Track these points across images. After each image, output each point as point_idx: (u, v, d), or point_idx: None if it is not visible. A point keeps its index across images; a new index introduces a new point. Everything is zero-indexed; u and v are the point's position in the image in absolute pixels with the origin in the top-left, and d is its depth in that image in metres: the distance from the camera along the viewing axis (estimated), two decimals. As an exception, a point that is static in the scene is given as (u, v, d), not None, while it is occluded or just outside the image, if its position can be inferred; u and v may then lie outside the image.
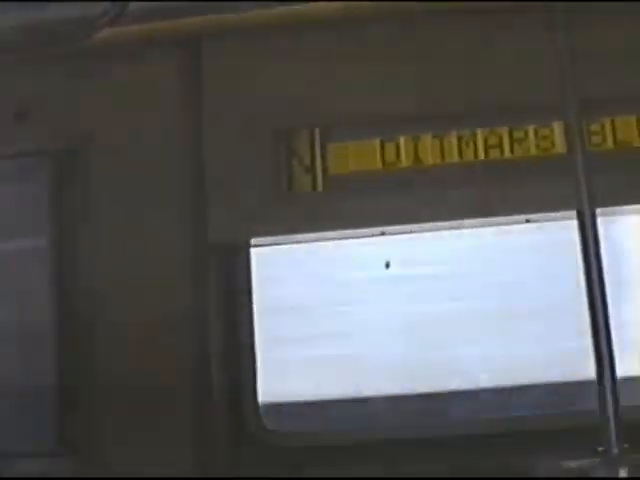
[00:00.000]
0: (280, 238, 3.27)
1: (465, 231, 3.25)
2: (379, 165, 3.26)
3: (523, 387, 3.19)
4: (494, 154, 3.21)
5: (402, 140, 3.26)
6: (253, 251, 3.30)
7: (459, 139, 3.23)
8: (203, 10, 3.14)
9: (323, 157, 3.28)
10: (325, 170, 3.27)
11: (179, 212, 3.25)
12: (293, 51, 3.26)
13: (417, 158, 3.24)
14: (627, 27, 3.10)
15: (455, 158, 3.23)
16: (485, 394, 3.22)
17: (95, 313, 3.21)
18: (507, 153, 3.21)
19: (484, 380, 3.23)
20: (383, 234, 3.27)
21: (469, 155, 3.22)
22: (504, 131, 3.22)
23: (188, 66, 3.30)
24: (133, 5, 3.01)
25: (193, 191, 3.25)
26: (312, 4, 3.16)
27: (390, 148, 3.26)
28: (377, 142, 3.27)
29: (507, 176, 3.18)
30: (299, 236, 3.27)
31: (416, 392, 3.25)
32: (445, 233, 3.26)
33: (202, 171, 3.24)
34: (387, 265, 3.30)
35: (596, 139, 3.17)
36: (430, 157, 3.25)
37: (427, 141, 3.25)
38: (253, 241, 3.28)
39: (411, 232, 3.28)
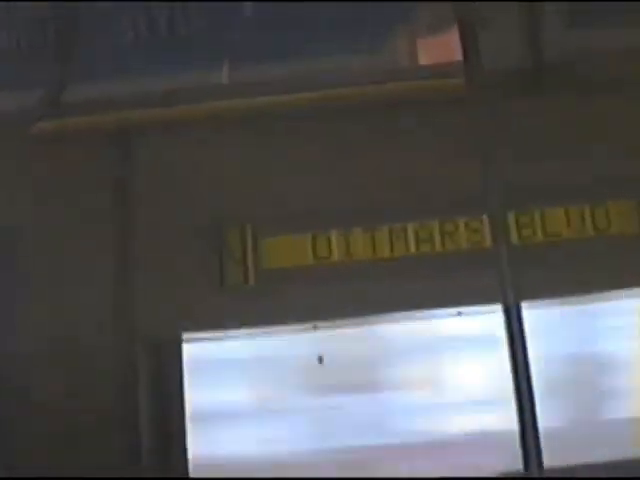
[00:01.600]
0: (212, 334, 3.23)
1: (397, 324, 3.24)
2: (311, 259, 3.25)
3: None
4: (425, 247, 3.23)
5: (334, 234, 3.26)
6: (185, 347, 3.25)
7: (390, 232, 3.24)
8: (133, 103, 3.15)
9: (255, 251, 3.27)
10: (257, 264, 3.26)
11: (108, 305, 3.20)
12: (224, 145, 3.27)
13: (348, 252, 3.25)
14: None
15: (386, 252, 3.24)
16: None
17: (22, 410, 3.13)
18: (438, 246, 3.22)
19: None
20: (316, 328, 3.25)
21: (400, 249, 3.24)
22: (435, 224, 3.24)
23: (118, 159, 3.30)
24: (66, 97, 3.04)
25: (122, 284, 3.21)
26: (240, 101, 3.20)
27: (322, 242, 3.26)
28: (309, 236, 3.27)
29: (438, 269, 3.19)
30: (232, 331, 3.23)
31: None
32: (377, 327, 3.25)
33: (131, 263, 3.21)
34: (320, 360, 3.27)
35: (526, 232, 3.21)
36: (361, 251, 3.25)
37: (358, 235, 3.26)
38: (184, 336, 3.24)
39: (346, 326, 3.26)
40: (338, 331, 3.26)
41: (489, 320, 3.13)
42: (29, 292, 3.22)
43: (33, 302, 3.22)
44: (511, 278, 2.56)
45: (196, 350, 3.25)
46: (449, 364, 3.23)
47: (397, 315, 3.22)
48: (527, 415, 2.41)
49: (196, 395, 3.21)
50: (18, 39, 3.13)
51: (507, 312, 2.52)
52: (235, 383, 3.24)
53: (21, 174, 3.24)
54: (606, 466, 3.00)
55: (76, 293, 3.20)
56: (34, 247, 3.25)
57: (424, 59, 3.24)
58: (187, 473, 3.18)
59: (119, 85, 3.20)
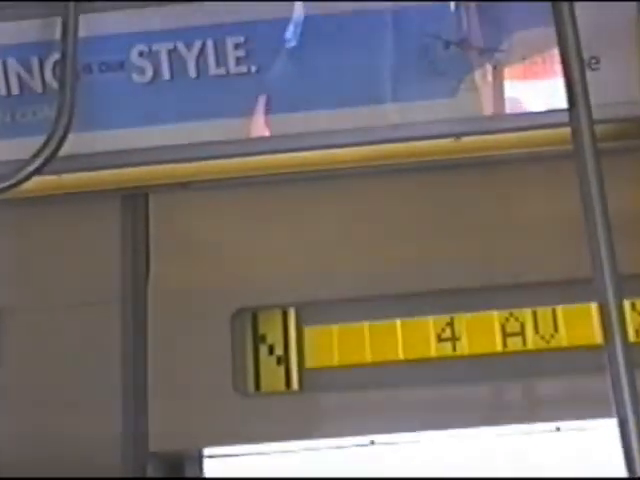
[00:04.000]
0: (240, 448, 2.55)
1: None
2: (368, 357, 2.56)
3: None
4: (514, 345, 2.52)
5: (399, 324, 2.57)
6: (207, 463, 2.57)
7: (469, 324, 2.54)
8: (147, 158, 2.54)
9: (299, 345, 2.59)
10: (301, 361, 2.58)
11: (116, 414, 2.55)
12: (258, 210, 2.63)
13: (419, 347, 2.55)
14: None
15: (465, 348, 2.54)
16: None
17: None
18: (530, 343, 2.52)
19: None
20: (372, 443, 2.54)
21: (482, 344, 2.53)
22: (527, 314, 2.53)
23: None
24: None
25: (132, 388, 2.56)
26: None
27: (382, 333, 2.57)
28: (366, 326, 2.58)
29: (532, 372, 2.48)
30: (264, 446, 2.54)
31: None
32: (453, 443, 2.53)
33: (144, 362, 2.56)
34: (379, 485, 2.56)
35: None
36: (434, 346, 2.55)
37: (429, 325, 2.56)
38: (206, 451, 2.56)
39: (411, 442, 2.54)
40: (401, 447, 2.55)
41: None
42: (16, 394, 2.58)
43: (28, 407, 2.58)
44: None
45: (221, 467, 2.56)
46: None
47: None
48: None
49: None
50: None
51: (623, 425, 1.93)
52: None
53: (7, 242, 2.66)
54: None
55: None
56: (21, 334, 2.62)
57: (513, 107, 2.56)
58: None
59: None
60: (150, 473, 2.50)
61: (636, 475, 1.94)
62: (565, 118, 2.22)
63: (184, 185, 2.67)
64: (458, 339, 2.54)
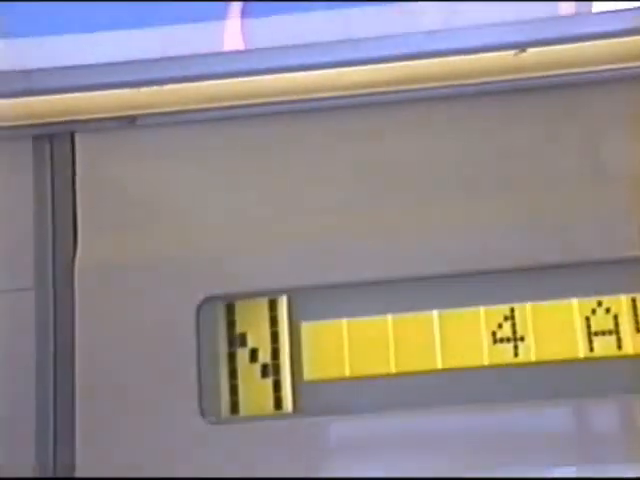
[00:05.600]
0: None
1: None
2: (393, 365, 1.81)
3: None
4: (603, 348, 1.76)
5: (435, 317, 1.82)
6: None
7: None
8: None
9: (294, 348, 1.84)
10: (297, 374, 1.83)
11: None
12: (232, 157, 1.87)
13: (465, 352, 1.79)
14: None
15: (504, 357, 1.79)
16: None
17: None
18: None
19: None
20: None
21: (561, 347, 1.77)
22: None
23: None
24: None
25: (52, 406, 1.82)
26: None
27: (412, 331, 1.81)
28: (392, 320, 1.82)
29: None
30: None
31: None
32: None
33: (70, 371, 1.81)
34: None
35: None
36: (487, 350, 1.79)
37: (479, 319, 1.80)
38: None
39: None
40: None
41: None
42: None
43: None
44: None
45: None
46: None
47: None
48: None
49: None
50: None
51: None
52: None
53: None
54: None
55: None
56: None
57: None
58: None
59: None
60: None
61: None
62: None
63: (126, 120, 1.89)
64: (522, 339, 1.78)
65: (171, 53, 1.85)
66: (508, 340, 1.79)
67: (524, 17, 1.78)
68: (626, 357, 1.75)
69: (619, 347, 1.76)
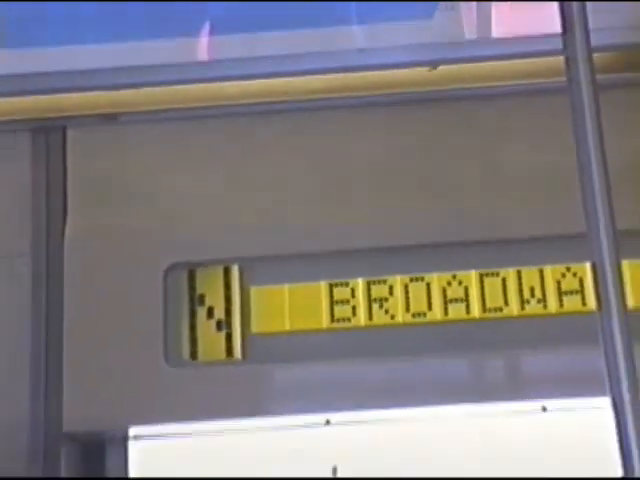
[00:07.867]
0: (171, 427, 2.16)
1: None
2: (327, 321, 2.19)
3: None
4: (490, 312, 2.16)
5: (360, 284, 2.20)
6: (132, 446, 2.18)
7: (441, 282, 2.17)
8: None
9: (244, 307, 2.21)
10: (245, 327, 2.20)
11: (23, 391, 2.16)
12: (197, 148, 2.24)
13: (383, 312, 2.18)
14: None
15: (438, 313, 2.17)
16: None
17: None
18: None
19: None
20: (328, 423, 2.17)
21: (456, 311, 2.16)
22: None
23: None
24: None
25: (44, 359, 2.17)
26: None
27: (343, 294, 2.19)
28: (325, 286, 2.20)
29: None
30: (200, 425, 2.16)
31: None
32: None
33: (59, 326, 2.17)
34: (334, 471, 2.19)
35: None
36: (401, 312, 2.18)
37: (398, 286, 2.19)
38: (132, 432, 2.17)
39: (374, 421, 2.17)
40: (362, 429, 2.17)
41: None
42: None
43: None
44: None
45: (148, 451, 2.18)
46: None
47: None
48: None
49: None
50: None
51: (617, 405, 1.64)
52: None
53: None
54: None
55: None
56: None
57: (500, 29, 2.18)
58: None
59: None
60: (65, 458, 2.11)
61: (631, 460, 1.60)
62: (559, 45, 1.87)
63: (109, 117, 2.28)
64: (430, 304, 2.16)
65: (147, 62, 2.19)
66: (419, 304, 2.17)
67: (437, 40, 2.15)
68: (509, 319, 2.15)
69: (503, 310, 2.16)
